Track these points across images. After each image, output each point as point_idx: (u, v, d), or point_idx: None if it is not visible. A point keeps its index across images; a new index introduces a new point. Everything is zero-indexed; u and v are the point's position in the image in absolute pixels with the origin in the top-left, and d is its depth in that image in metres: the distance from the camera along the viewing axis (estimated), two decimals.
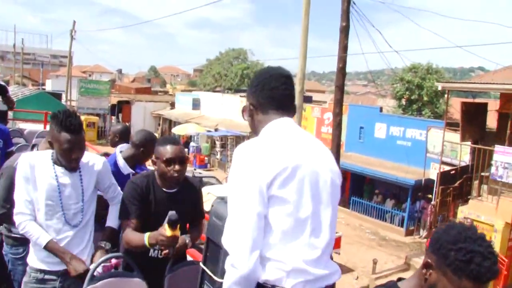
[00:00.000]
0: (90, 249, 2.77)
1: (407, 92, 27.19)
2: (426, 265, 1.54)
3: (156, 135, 31.29)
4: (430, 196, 15.45)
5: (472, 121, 12.74)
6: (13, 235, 3.08)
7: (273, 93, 1.88)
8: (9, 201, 2.96)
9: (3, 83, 6.87)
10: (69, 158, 2.57)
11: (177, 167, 2.68)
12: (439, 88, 13.92)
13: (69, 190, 2.63)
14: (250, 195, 1.65)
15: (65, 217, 2.63)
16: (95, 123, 31.52)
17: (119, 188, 3.00)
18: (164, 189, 2.77)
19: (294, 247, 1.68)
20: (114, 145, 4.59)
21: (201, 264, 2.52)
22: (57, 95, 24.74)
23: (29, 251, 2.72)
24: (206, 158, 27.49)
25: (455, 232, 1.49)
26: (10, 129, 6.77)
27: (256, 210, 1.65)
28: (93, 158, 2.81)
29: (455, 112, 16.65)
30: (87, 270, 2.62)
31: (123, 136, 4.60)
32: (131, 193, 2.71)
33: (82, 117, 30.90)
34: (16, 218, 2.62)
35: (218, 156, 27.51)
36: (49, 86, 43.29)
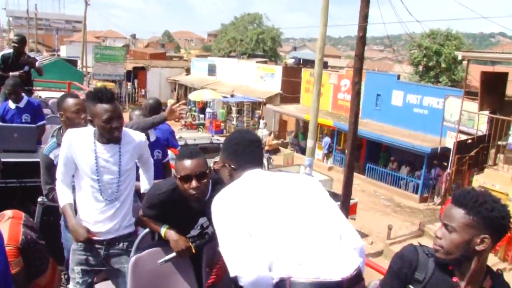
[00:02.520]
0: (128, 220, 2.92)
1: (424, 59, 26.83)
2: (482, 241, 1.74)
3: (172, 100, 31.52)
4: (445, 164, 15.53)
5: (491, 90, 12.65)
6: None
7: (251, 155, 2.12)
8: (48, 183, 3.25)
9: (32, 56, 7.06)
10: (110, 128, 2.68)
11: (194, 183, 2.50)
12: (459, 58, 13.79)
13: (108, 166, 2.76)
14: (235, 228, 1.86)
15: (101, 192, 2.78)
16: (111, 90, 31.70)
17: (151, 158, 3.26)
18: (190, 203, 2.63)
19: (294, 243, 1.80)
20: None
21: None
22: (72, 62, 24.73)
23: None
24: (222, 124, 27.63)
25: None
26: (39, 100, 6.96)
27: (242, 233, 1.85)
28: (133, 134, 2.93)
29: (473, 79, 16.49)
30: (88, 239, 2.78)
31: (153, 110, 4.77)
32: (150, 203, 2.72)
33: (98, 84, 31.11)
34: (56, 183, 2.89)
35: (234, 122, 27.66)
36: (63, 52, 43.36)
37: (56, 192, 3.19)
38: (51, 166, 3.20)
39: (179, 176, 2.51)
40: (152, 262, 2.69)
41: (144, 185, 3.22)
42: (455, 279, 1.77)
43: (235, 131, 2.31)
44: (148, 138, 4.18)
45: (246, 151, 2.11)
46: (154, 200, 2.68)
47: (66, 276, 3.60)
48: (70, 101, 3.34)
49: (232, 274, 1.80)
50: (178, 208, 2.64)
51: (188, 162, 2.50)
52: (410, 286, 1.81)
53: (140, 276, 2.67)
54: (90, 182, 2.77)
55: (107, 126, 2.68)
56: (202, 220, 2.76)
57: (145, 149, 3.07)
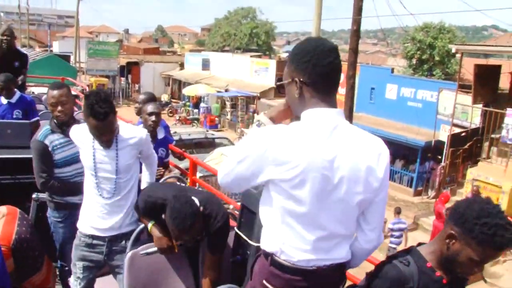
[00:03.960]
0: (130, 218, 2.90)
1: (418, 52, 26.86)
2: (450, 236, 1.72)
3: (166, 96, 31.27)
4: (439, 157, 15.58)
5: (484, 83, 12.71)
6: (54, 200, 3.31)
7: (328, 68, 1.70)
8: (45, 171, 3.19)
9: (25, 52, 6.97)
10: (99, 140, 2.71)
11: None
12: (453, 51, 13.82)
13: (105, 162, 2.76)
14: (251, 155, 1.68)
15: (99, 189, 2.79)
16: (105, 85, 31.50)
17: (154, 153, 3.25)
18: None
19: (289, 231, 1.74)
20: (139, 113, 4.76)
21: (235, 229, 2.72)
22: (65, 57, 24.59)
23: (80, 216, 2.91)
24: (216, 118, 27.59)
25: (478, 208, 1.66)
26: (32, 96, 6.90)
27: (248, 167, 1.70)
28: (133, 131, 2.89)
29: (466, 72, 16.55)
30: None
31: (146, 103, 4.74)
32: (141, 201, 2.74)
33: (92, 79, 30.94)
34: None
35: (229, 117, 27.61)
36: (56, 48, 43.02)
37: (54, 181, 3.18)
38: (47, 152, 3.19)
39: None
40: (149, 257, 2.68)
41: (145, 180, 3.23)
42: (437, 274, 1.78)
43: (307, 38, 1.83)
44: (157, 136, 4.20)
45: (321, 62, 1.68)
46: (143, 203, 2.71)
47: (59, 271, 3.60)
48: (49, 93, 3.26)
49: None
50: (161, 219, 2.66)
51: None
52: None
53: (137, 271, 2.66)
54: (90, 177, 2.80)
55: (96, 137, 2.71)
56: None
57: (146, 144, 3.01)
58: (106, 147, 2.75)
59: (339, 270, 1.84)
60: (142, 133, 2.93)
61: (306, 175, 1.62)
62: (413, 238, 10.76)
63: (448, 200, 10.68)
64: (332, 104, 1.76)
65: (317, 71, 1.69)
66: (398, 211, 10.81)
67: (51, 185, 3.20)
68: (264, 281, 1.83)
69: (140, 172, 3.13)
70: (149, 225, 2.69)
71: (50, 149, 3.20)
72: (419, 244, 1.90)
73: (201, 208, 2.51)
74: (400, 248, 9.78)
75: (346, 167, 1.66)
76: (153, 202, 2.65)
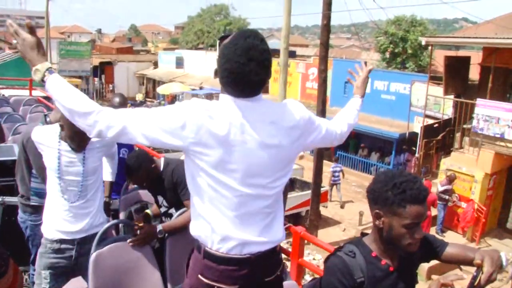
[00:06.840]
0: (98, 218, 2.83)
1: (391, 45, 27.12)
2: (376, 216, 1.73)
3: (141, 95, 30.85)
4: (414, 148, 15.81)
5: (455, 74, 12.93)
6: (31, 203, 3.25)
7: (237, 76, 1.66)
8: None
9: None
10: (72, 141, 2.66)
11: None
12: (423, 43, 14.00)
13: (71, 166, 2.69)
14: (172, 120, 1.67)
15: (64, 193, 2.69)
16: (78, 86, 30.95)
17: (116, 148, 3.34)
18: None
19: (219, 212, 1.71)
20: None
21: None
22: None
23: (44, 222, 2.80)
24: None
25: (382, 177, 1.72)
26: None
27: (162, 128, 1.66)
28: None
29: (439, 65, 16.80)
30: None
31: (121, 107, 4.67)
32: None
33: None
34: None
35: None
36: None
37: None
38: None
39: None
40: (114, 258, 2.63)
41: (107, 174, 3.27)
42: (383, 262, 1.76)
43: (241, 35, 1.67)
44: None
45: (239, 79, 1.64)
46: None
47: (30, 276, 3.52)
48: None
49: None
50: None
51: None
52: None
53: (102, 272, 2.60)
54: (54, 181, 2.70)
55: (72, 141, 2.68)
56: (160, 199, 2.98)
57: (112, 146, 3.08)
58: (77, 151, 2.69)
59: (274, 255, 1.83)
60: None
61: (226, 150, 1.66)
62: None
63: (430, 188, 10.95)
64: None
65: (224, 73, 1.69)
66: (335, 159, 15.76)
67: None
68: (199, 276, 1.77)
69: None
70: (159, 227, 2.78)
71: None
72: (363, 233, 1.89)
73: (161, 167, 2.96)
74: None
75: (259, 141, 1.69)
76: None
